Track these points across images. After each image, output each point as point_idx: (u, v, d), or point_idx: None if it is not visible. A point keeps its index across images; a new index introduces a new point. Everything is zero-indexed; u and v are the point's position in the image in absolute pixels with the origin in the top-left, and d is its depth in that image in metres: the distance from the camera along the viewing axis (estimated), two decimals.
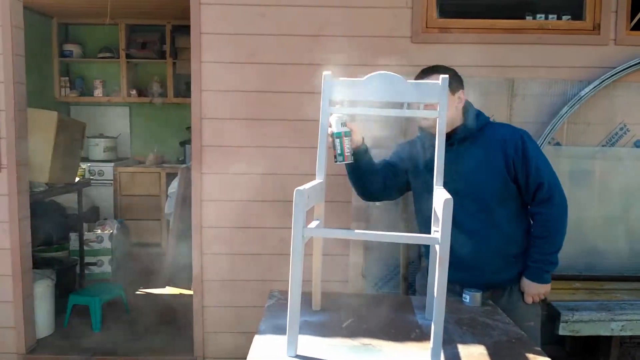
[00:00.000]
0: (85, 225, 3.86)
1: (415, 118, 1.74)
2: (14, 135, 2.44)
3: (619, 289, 2.22)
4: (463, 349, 1.25)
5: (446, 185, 1.30)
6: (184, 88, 4.83)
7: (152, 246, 4.46)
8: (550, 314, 1.98)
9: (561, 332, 1.96)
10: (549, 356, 1.23)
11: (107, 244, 3.89)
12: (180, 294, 3.56)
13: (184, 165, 4.20)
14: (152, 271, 3.77)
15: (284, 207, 2.24)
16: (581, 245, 2.31)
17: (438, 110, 1.32)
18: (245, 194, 2.37)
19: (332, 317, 1.44)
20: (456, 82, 1.64)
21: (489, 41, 2.33)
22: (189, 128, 3.00)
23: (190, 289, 2.83)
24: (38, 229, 2.97)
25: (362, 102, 1.40)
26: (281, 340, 1.23)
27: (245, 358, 1.19)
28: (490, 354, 1.23)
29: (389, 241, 2.03)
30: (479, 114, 1.71)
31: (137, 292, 3.59)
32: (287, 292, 1.19)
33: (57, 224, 3.63)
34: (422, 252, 2.16)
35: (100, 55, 4.86)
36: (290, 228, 1.16)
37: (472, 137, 1.67)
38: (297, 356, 1.18)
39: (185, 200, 3.52)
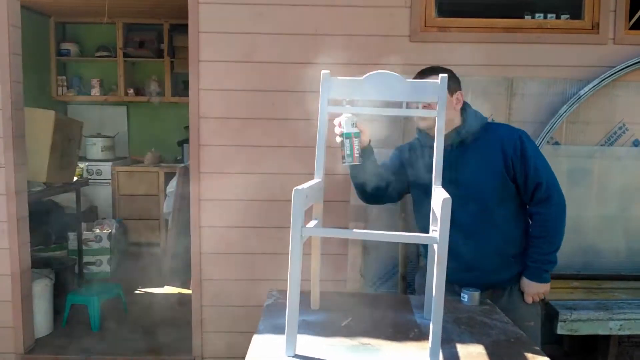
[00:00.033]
0: (83, 224, 3.85)
1: (414, 119, 1.74)
2: (11, 135, 2.44)
3: (617, 288, 2.22)
4: (461, 349, 1.25)
5: (445, 186, 1.29)
6: (181, 87, 4.82)
7: (150, 246, 4.45)
8: (549, 313, 1.98)
9: (559, 331, 1.96)
10: (547, 355, 1.23)
11: (105, 243, 3.89)
12: (179, 293, 3.56)
13: (182, 165, 4.19)
14: (151, 271, 3.76)
15: (283, 207, 2.23)
16: (579, 244, 2.32)
17: (437, 109, 1.32)
18: (243, 193, 2.37)
19: (331, 316, 1.44)
20: (454, 83, 1.64)
21: (488, 40, 2.33)
22: (187, 127, 2.99)
23: (188, 289, 2.83)
24: (37, 228, 2.96)
25: (361, 102, 1.40)
26: (280, 339, 1.22)
27: (244, 358, 1.19)
28: (489, 354, 1.23)
29: (387, 240, 2.03)
30: (477, 114, 1.71)
31: (136, 292, 3.59)
32: (285, 291, 1.19)
33: (56, 224, 3.63)
34: (421, 252, 2.16)
35: (98, 54, 4.84)
36: (289, 227, 1.15)
37: (470, 137, 1.66)
38: (295, 356, 1.18)
39: (183, 200, 3.51)
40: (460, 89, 1.68)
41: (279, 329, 1.30)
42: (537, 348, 1.28)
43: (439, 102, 1.31)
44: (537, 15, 2.41)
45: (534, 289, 1.68)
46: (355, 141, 1.51)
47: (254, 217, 2.39)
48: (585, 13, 2.36)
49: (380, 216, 2.27)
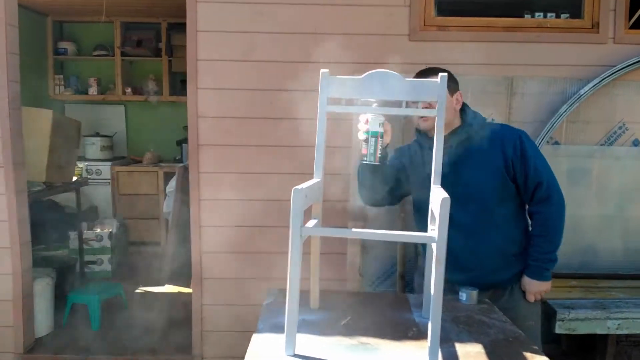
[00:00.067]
0: (84, 224, 3.86)
1: (413, 120, 1.74)
2: (9, 134, 2.43)
3: (614, 287, 2.22)
4: (460, 348, 1.25)
5: (445, 187, 1.29)
6: (179, 86, 4.80)
7: (151, 245, 4.46)
8: (547, 312, 1.98)
9: (557, 331, 1.96)
10: (545, 355, 1.23)
11: (106, 242, 3.89)
12: (179, 292, 3.56)
13: (181, 165, 4.19)
14: (152, 270, 3.76)
15: (282, 206, 2.24)
16: (577, 244, 2.32)
17: (437, 108, 1.32)
18: (243, 193, 2.37)
19: (330, 315, 1.44)
20: (453, 83, 1.64)
21: (488, 39, 2.33)
22: (185, 127, 2.98)
23: (189, 288, 2.83)
24: (37, 228, 2.97)
25: (361, 101, 1.40)
26: (279, 339, 1.23)
27: (244, 357, 1.19)
28: (488, 353, 1.23)
29: (386, 240, 2.03)
30: (476, 115, 1.71)
31: (137, 291, 3.59)
32: (285, 290, 1.19)
33: (57, 223, 3.63)
34: (419, 251, 2.16)
35: (95, 53, 4.83)
36: (288, 227, 1.16)
37: (470, 138, 1.66)
38: (295, 355, 1.18)
39: (183, 199, 3.52)
40: (459, 90, 1.68)
41: (278, 328, 1.30)
42: (536, 347, 1.28)
43: (438, 101, 1.31)
44: (536, 14, 2.41)
45: (535, 287, 1.69)
46: (380, 141, 1.49)
47: (253, 217, 2.39)
48: (585, 12, 2.36)
49: (379, 216, 2.27)
